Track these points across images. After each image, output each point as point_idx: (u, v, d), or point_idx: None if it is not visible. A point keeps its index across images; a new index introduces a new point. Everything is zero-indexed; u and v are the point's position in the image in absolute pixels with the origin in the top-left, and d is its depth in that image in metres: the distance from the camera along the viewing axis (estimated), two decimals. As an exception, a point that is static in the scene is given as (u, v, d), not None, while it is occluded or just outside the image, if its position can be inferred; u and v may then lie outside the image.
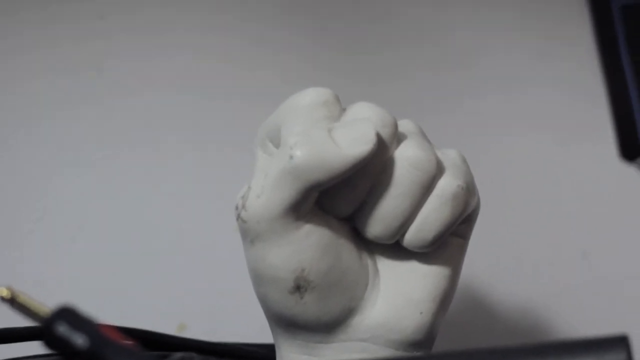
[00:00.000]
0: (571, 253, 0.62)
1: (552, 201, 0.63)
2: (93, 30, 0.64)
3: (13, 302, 0.23)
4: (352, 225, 0.33)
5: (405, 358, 0.31)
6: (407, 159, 0.31)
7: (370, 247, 0.33)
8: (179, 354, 0.39)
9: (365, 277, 0.32)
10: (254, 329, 0.45)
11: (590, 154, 0.64)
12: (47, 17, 0.64)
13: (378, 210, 0.31)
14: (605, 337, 0.22)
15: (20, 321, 0.25)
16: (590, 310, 0.60)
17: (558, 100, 0.65)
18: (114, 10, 0.65)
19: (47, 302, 0.23)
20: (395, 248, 0.33)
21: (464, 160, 0.33)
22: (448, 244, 0.33)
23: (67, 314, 0.22)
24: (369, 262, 0.33)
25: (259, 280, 0.32)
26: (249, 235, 0.31)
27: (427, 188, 0.31)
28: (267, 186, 0.30)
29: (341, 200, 0.31)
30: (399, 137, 0.32)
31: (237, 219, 0.31)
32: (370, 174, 0.31)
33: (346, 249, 0.32)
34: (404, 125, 0.33)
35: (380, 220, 0.31)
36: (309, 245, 0.31)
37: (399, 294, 0.32)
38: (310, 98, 0.31)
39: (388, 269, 0.33)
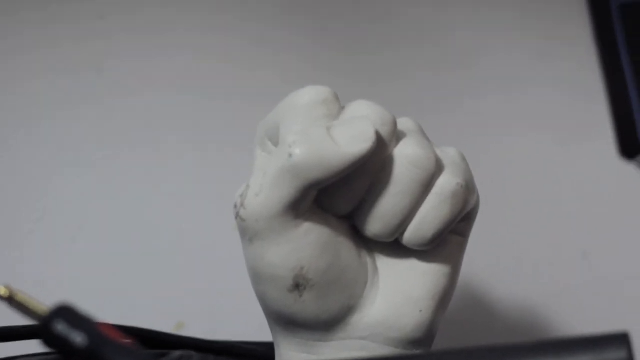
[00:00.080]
0: (571, 253, 0.62)
1: (552, 201, 0.63)
2: (93, 30, 0.64)
3: (11, 300, 0.23)
4: (352, 224, 0.33)
5: (405, 356, 0.31)
6: (406, 157, 0.31)
7: (370, 245, 0.33)
8: (177, 353, 0.39)
9: (364, 275, 0.32)
10: (254, 328, 0.45)
11: (590, 154, 0.64)
12: (47, 17, 0.64)
13: (377, 208, 0.31)
14: (606, 335, 0.21)
15: (19, 320, 0.25)
16: (590, 310, 0.60)
17: (558, 100, 0.65)
18: (114, 10, 0.65)
19: (47, 302, 0.23)
20: (394, 246, 0.33)
21: (463, 159, 0.33)
22: (447, 242, 0.33)
23: (65, 313, 0.22)
24: (368, 260, 0.33)
25: (258, 278, 0.32)
26: (248, 233, 0.31)
27: (427, 186, 0.31)
28: (265, 184, 0.30)
29: (340, 198, 0.31)
30: (398, 135, 0.31)
31: (236, 218, 0.31)
32: (369, 172, 0.31)
33: (345, 247, 0.32)
34: (403, 123, 0.33)
35: (380, 219, 0.31)
36: (308, 244, 0.31)
37: (399, 292, 0.32)
38: (309, 96, 0.31)
39: (387, 267, 0.33)
